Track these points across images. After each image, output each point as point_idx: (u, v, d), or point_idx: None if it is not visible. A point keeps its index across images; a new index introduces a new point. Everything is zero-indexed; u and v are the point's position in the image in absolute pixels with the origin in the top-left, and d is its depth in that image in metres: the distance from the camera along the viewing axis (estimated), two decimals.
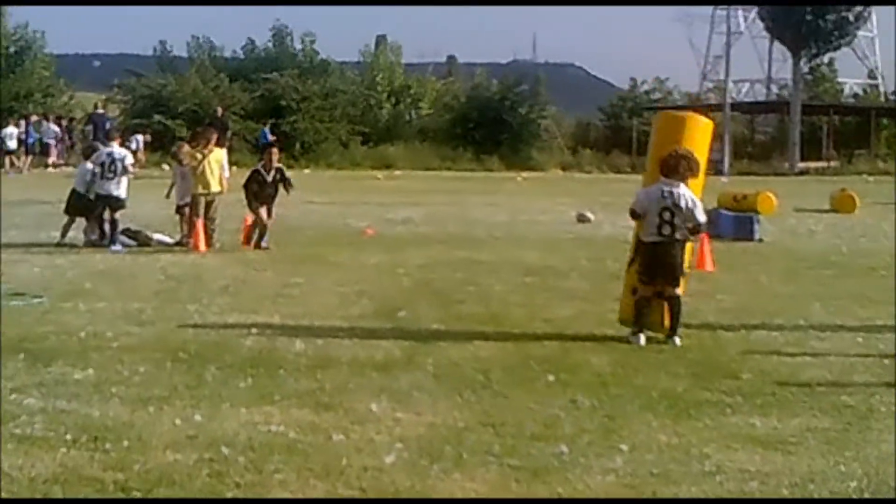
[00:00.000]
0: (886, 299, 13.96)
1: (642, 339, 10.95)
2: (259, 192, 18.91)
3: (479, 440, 7.40)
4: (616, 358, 10.19)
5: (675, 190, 10.91)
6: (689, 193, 10.98)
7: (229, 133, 48.22)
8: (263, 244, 18.84)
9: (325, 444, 7.28)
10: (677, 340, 10.90)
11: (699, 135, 11.51)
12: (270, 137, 54.45)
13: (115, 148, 20.01)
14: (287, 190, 19.39)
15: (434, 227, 23.88)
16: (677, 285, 11.08)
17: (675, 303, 11.05)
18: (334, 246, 19.61)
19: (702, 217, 11.13)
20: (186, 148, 20.09)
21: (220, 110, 48.48)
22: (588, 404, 8.43)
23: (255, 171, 19.21)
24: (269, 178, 19.04)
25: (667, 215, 10.91)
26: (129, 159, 20.28)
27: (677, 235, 10.98)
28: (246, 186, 19.04)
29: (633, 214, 11.24)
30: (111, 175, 19.35)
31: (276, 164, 19.24)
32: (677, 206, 10.88)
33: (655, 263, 11.06)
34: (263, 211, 18.93)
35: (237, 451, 7.05)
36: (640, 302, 11.11)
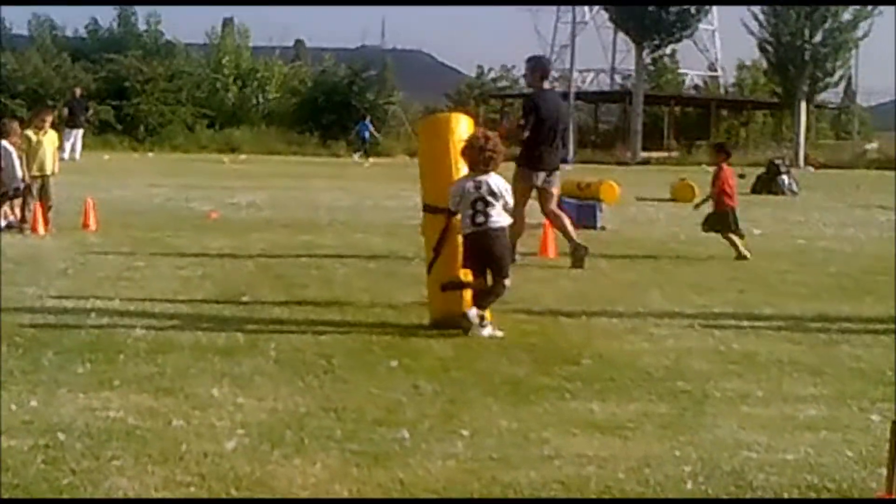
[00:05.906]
0: (722, 287, 14.28)
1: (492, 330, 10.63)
2: None
3: (321, 425, 7.38)
4: (458, 343, 10.23)
5: (483, 179, 10.66)
6: (499, 181, 10.74)
7: (89, 113, 47.59)
8: None
9: (164, 430, 7.19)
10: (472, 313, 10.55)
11: (463, 132, 11.22)
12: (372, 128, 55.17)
13: None
14: None
15: (278, 212, 23.76)
16: (506, 275, 10.81)
17: (500, 290, 10.80)
18: (177, 229, 19.41)
19: (511, 199, 10.95)
20: (15, 126, 19.56)
21: (78, 91, 47.82)
22: (430, 389, 8.47)
23: None
24: None
25: (479, 205, 10.65)
26: None
27: (492, 224, 10.67)
28: None
29: (450, 212, 10.79)
30: None
31: None
32: (492, 193, 10.62)
33: (479, 254, 10.80)
34: None
35: (74, 437, 6.93)
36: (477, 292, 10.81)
